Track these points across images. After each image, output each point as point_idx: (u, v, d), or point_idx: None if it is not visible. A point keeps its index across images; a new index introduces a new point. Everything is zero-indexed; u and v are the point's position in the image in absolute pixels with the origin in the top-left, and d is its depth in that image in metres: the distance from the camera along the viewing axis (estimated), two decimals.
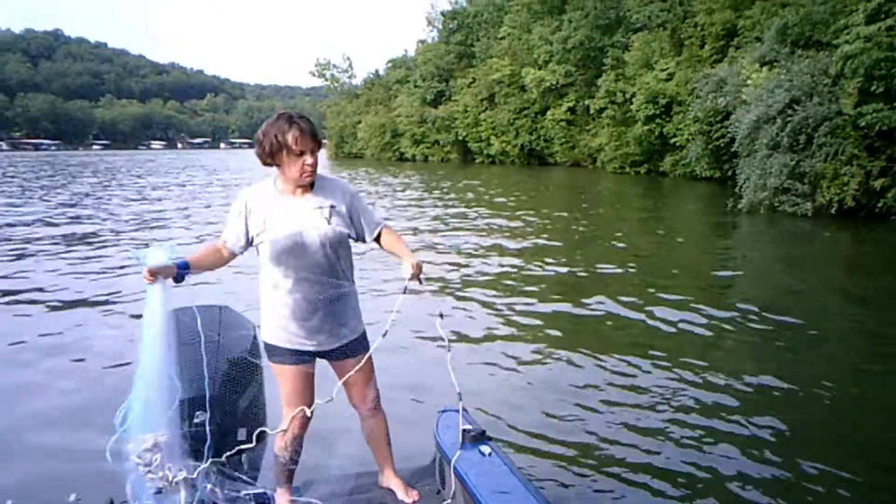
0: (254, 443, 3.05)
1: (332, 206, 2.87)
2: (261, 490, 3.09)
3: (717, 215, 19.14)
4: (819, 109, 17.12)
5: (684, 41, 36.76)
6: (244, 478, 3.03)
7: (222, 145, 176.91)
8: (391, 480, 3.23)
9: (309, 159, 2.79)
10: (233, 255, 2.96)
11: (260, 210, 2.86)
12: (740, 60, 25.38)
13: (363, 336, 3.08)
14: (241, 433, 3.05)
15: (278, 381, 3.02)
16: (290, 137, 2.75)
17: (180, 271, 2.75)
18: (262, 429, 3.07)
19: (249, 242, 2.90)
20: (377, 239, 3.03)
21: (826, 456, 4.34)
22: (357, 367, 2.98)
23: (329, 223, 2.83)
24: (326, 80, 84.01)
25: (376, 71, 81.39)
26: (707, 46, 34.44)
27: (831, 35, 18.75)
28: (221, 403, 2.98)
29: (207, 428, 2.89)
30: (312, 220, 2.83)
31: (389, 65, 78.81)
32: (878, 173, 16.06)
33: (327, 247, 2.86)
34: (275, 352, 2.97)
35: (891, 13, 15.21)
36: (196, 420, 2.92)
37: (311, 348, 2.95)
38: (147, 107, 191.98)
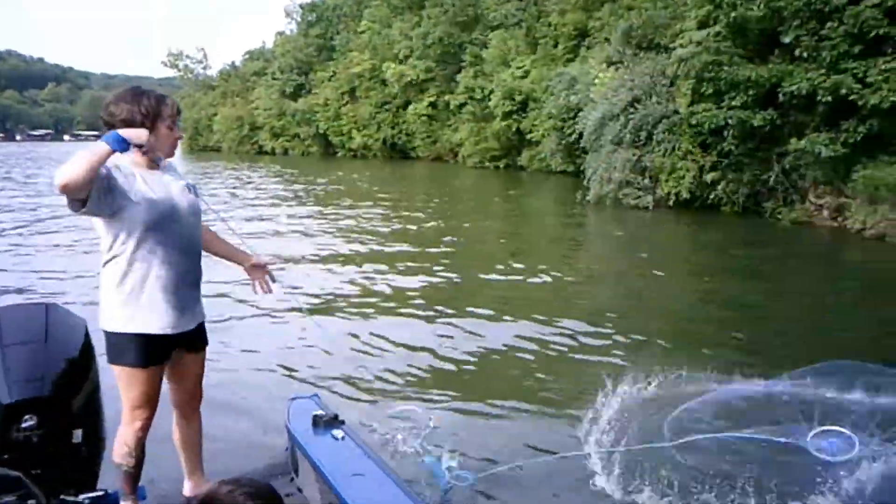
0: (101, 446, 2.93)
1: (187, 185, 2.87)
2: (100, 493, 2.88)
3: (567, 208, 20.04)
4: (658, 108, 18.32)
5: (539, 40, 38.05)
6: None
7: (66, 137, 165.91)
8: (202, 485, 3.09)
9: (178, 133, 2.83)
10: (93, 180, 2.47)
11: (125, 174, 2.66)
12: (590, 60, 26.61)
13: (204, 324, 3.02)
14: (77, 435, 2.90)
15: (128, 385, 2.84)
16: (166, 110, 2.73)
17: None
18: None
19: (107, 197, 2.55)
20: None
21: None
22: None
23: (191, 194, 2.84)
24: (179, 70, 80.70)
25: (233, 63, 79.03)
26: (560, 46, 35.80)
27: (670, 38, 20.02)
28: (53, 405, 2.81)
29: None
30: (178, 189, 2.80)
31: (246, 56, 76.74)
32: (709, 168, 17.35)
33: (194, 217, 2.86)
34: (132, 350, 2.77)
35: (718, 20, 16.44)
36: (24, 425, 2.74)
37: (178, 330, 2.81)
38: None
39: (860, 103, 13.49)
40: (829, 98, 13.77)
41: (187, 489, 3.13)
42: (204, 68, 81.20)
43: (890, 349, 6.41)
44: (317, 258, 11.31)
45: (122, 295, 2.73)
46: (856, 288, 9.85)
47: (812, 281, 10.28)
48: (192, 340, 2.94)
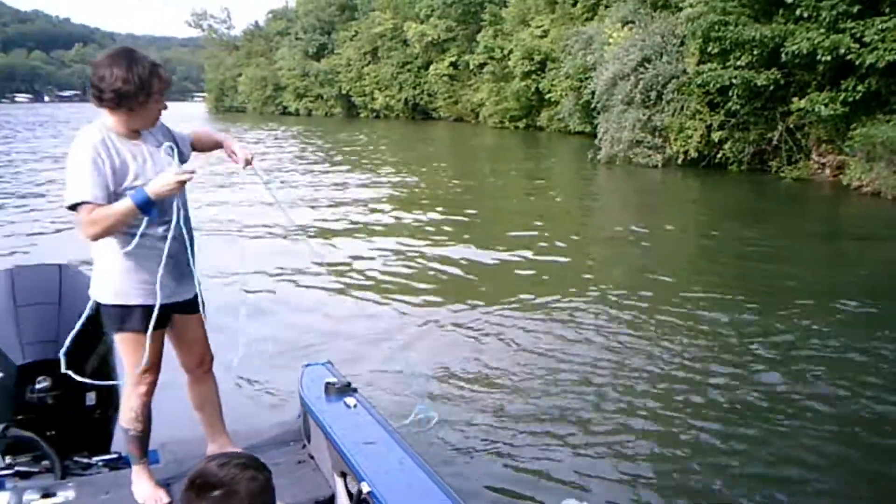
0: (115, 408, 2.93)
1: (165, 144, 2.74)
2: (114, 455, 3.01)
3: (579, 167, 20.53)
4: (668, 68, 18.66)
5: None
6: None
7: None
8: (228, 448, 2.96)
9: (163, 104, 2.69)
10: None
11: (112, 158, 2.58)
12: (606, 20, 26.71)
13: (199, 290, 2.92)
14: (91, 398, 2.94)
15: (132, 352, 2.70)
16: (156, 83, 2.59)
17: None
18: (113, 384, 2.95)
19: (111, 194, 2.55)
20: (194, 146, 2.96)
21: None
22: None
23: (174, 160, 2.70)
24: (203, 30, 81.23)
25: (256, 22, 79.41)
26: (579, 5, 35.61)
27: None
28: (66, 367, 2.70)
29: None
30: (164, 161, 2.67)
31: (270, 16, 76.88)
32: (717, 127, 17.75)
33: (184, 185, 2.68)
34: (132, 317, 2.66)
35: None
36: (38, 386, 2.80)
37: (175, 299, 2.75)
38: (9, 58, 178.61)
39: (858, 62, 13.79)
40: (829, 57, 14.07)
41: (210, 451, 3.00)
42: (228, 28, 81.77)
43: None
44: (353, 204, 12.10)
45: (119, 268, 2.65)
46: (848, 239, 10.81)
47: (809, 237, 10.91)
48: (190, 304, 2.85)
